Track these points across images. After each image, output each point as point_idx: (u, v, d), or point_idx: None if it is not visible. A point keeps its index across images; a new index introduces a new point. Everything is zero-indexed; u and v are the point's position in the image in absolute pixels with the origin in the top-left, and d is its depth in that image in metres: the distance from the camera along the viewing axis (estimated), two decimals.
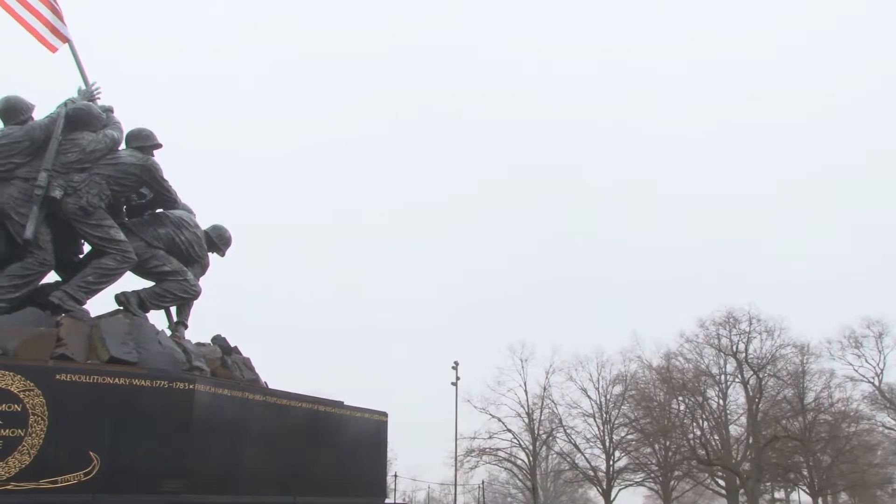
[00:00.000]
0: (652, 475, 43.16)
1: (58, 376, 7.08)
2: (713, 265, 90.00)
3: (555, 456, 50.04)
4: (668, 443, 41.88)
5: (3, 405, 6.74)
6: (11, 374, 6.84)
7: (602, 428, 44.15)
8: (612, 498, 42.65)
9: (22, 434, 6.73)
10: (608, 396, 44.99)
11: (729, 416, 42.32)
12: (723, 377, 42.30)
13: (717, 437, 41.86)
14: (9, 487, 6.57)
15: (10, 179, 8.52)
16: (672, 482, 43.04)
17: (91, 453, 6.97)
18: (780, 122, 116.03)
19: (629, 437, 44.01)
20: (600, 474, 43.55)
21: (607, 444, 43.59)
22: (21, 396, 6.82)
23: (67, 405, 6.99)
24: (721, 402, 42.25)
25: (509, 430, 45.08)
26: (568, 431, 44.98)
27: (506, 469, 48.26)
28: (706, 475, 42.25)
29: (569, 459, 46.08)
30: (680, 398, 42.23)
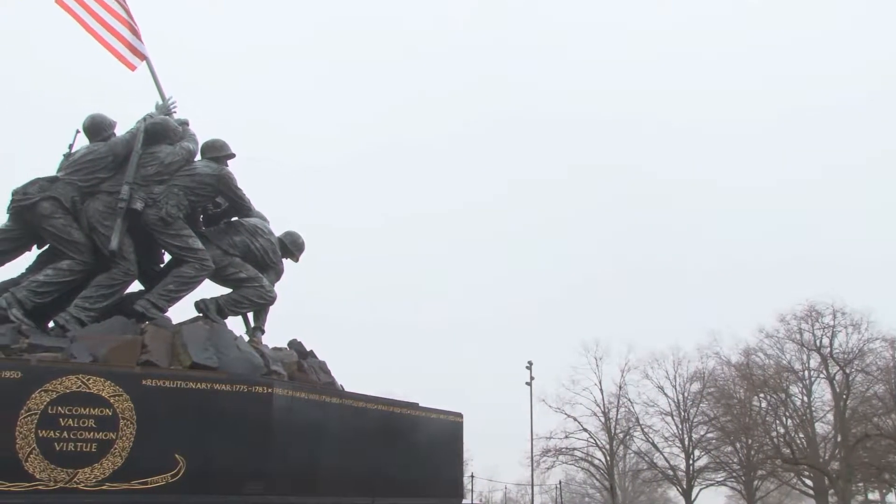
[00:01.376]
0: (734, 474, 42.05)
1: (144, 381, 7.37)
2: (788, 256, 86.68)
3: (632, 455, 49.30)
4: (750, 441, 40.69)
5: (96, 409, 7.05)
6: (102, 379, 7.15)
7: (680, 426, 43.25)
8: (692, 498, 41.75)
9: (113, 437, 7.03)
10: (686, 394, 44.06)
11: (814, 414, 40.79)
12: (806, 373, 40.80)
13: (802, 436, 40.43)
14: (104, 488, 6.89)
15: (95, 194, 8.90)
16: (756, 482, 41.81)
17: (177, 455, 7.22)
18: (832, 102, 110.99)
19: (709, 435, 42.98)
20: (680, 474, 42.67)
21: (686, 442, 42.67)
22: (111, 401, 7.12)
23: (154, 409, 7.26)
24: (805, 398, 40.78)
25: (585, 430, 44.63)
26: (645, 430, 44.25)
27: (583, 469, 47.79)
28: (792, 475, 40.88)
29: (647, 459, 45.33)
30: (761, 395, 40.96)
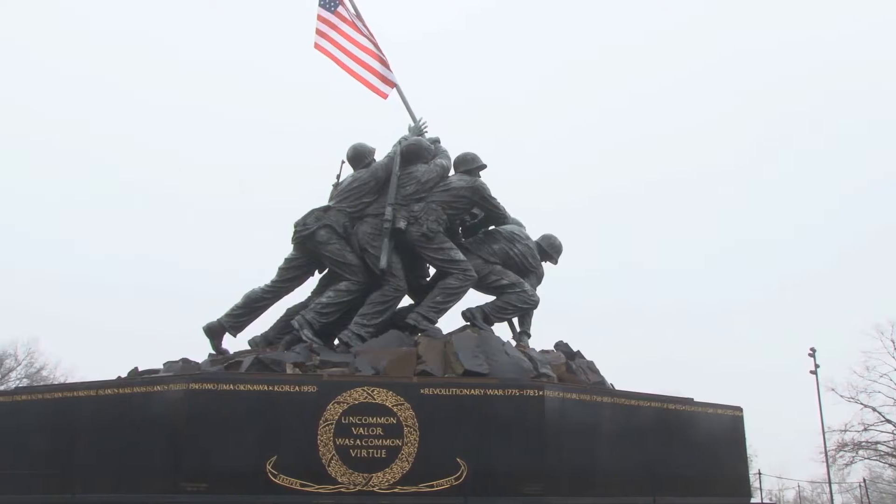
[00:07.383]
0: None
1: (422, 391, 7.80)
2: None
3: None
4: None
5: (382, 418, 7.59)
6: (385, 390, 7.69)
7: None
8: None
9: (400, 444, 7.51)
10: None
11: None
12: None
13: None
14: (396, 490, 7.39)
15: (362, 217, 9.60)
16: None
17: (458, 459, 7.53)
18: None
19: None
20: None
21: None
22: (395, 410, 7.62)
23: (433, 416, 7.65)
24: None
25: (888, 421, 39.85)
26: None
27: (890, 465, 42.83)
28: None
29: None
30: None
